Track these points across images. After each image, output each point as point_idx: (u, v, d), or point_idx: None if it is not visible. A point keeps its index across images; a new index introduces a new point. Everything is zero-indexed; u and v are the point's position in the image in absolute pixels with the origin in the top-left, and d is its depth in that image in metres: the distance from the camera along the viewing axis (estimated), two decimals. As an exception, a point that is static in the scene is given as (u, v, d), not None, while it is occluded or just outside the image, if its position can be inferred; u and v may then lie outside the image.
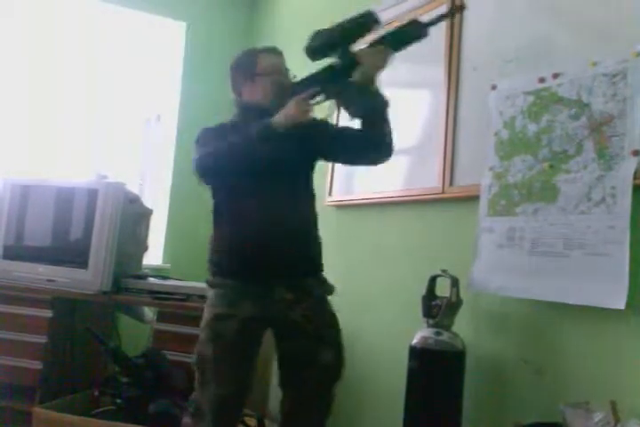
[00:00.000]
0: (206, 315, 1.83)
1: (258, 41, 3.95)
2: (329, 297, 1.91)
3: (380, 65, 1.78)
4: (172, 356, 2.48)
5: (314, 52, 1.80)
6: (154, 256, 3.61)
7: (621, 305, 1.62)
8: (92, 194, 2.78)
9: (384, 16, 2.75)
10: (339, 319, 1.90)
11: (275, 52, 1.96)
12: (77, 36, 3.59)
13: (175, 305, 2.62)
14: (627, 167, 1.68)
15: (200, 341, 1.81)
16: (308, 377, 1.83)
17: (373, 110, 1.84)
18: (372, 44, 1.80)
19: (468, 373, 2.03)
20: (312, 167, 1.99)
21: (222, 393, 1.76)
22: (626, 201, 1.66)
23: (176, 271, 3.39)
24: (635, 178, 1.66)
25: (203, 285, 2.73)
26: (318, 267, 1.92)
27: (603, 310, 1.69)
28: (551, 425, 1.69)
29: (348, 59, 1.78)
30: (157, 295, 2.69)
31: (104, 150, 3.71)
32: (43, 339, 2.67)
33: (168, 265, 3.62)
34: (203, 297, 2.63)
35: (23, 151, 3.45)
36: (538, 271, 1.88)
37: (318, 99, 1.81)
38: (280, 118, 1.75)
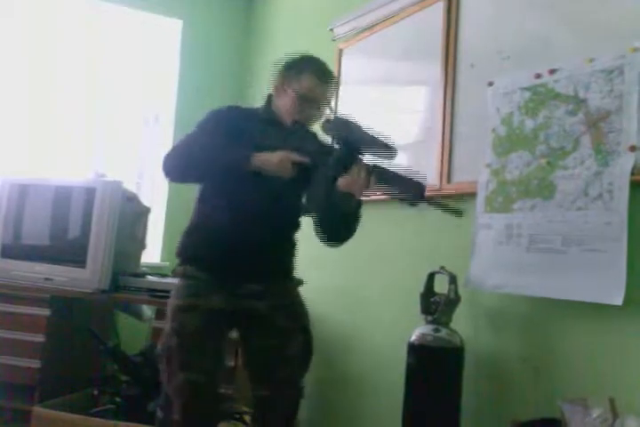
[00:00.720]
0: (170, 306, 1.83)
1: (255, 40, 3.95)
2: (298, 287, 1.94)
3: (360, 192, 1.66)
4: (170, 354, 2.47)
5: (325, 132, 1.71)
6: (152, 255, 3.61)
7: (619, 301, 1.62)
8: (89, 193, 2.78)
9: (379, 14, 2.77)
10: (308, 309, 1.92)
11: (322, 78, 1.85)
12: (75, 34, 3.58)
13: (174, 303, 2.62)
14: (624, 163, 1.68)
15: (165, 332, 1.82)
16: (276, 373, 1.84)
17: (333, 215, 1.74)
18: (373, 170, 1.65)
19: (467, 369, 2.03)
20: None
21: (189, 380, 1.75)
22: (623, 197, 1.66)
23: (174, 270, 3.39)
24: (632, 174, 1.66)
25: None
26: (291, 270, 1.95)
27: (601, 306, 1.69)
28: (549, 421, 1.70)
29: (345, 164, 1.66)
30: (156, 293, 2.69)
31: (102, 149, 3.70)
32: (41, 338, 2.66)
33: (167, 263, 3.61)
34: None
35: (22, 150, 3.44)
36: (536, 268, 1.88)
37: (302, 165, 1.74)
38: (259, 161, 1.71)
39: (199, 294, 1.79)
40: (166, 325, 1.82)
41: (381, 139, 1.63)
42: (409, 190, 1.63)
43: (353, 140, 1.67)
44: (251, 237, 1.79)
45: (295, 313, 1.89)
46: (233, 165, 1.72)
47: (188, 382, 1.75)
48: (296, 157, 1.72)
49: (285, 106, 1.85)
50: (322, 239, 1.84)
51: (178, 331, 1.78)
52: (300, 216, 1.93)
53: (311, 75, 1.83)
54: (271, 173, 1.71)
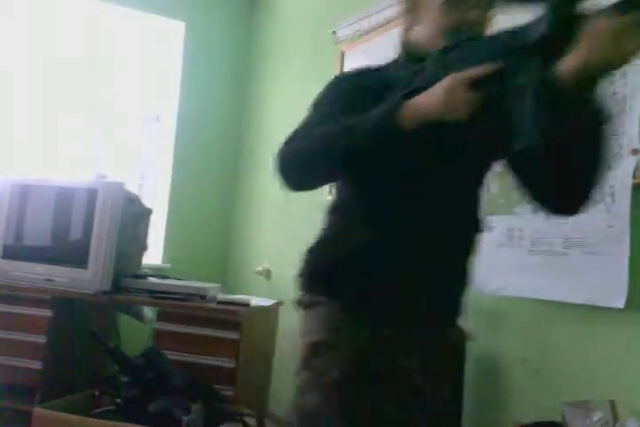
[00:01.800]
0: (301, 348, 1.21)
1: (257, 42, 3.96)
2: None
3: (627, 51, 0.87)
4: (171, 355, 2.48)
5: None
6: (153, 256, 3.61)
7: (620, 304, 1.63)
8: (91, 194, 2.78)
9: (381, 16, 2.77)
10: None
11: None
12: (77, 35, 3.59)
13: (175, 305, 2.62)
14: (625, 166, 1.68)
15: (298, 390, 1.18)
16: None
17: (572, 136, 1.02)
18: (618, 7, 0.86)
19: (468, 371, 2.03)
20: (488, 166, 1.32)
21: None
22: (625, 200, 1.67)
23: (176, 271, 3.40)
24: (633, 177, 1.66)
25: (202, 284, 2.75)
26: (458, 313, 1.35)
27: (602, 308, 1.69)
28: (550, 424, 1.70)
29: (561, 28, 0.92)
30: (157, 295, 2.69)
31: (104, 150, 3.71)
32: (42, 339, 2.66)
33: (168, 265, 3.62)
34: (203, 297, 2.64)
35: (23, 151, 3.45)
36: (537, 270, 1.88)
37: (491, 88, 0.98)
38: (415, 107, 1.02)
39: (336, 327, 1.19)
40: (298, 377, 1.19)
41: None
42: None
43: None
44: (413, 263, 1.18)
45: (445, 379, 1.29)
46: (378, 128, 1.04)
47: None
48: (472, 71, 1.00)
49: (430, 25, 1.20)
50: (553, 206, 1.21)
51: (316, 383, 1.15)
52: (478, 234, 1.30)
53: None
54: (442, 117, 1.00)
